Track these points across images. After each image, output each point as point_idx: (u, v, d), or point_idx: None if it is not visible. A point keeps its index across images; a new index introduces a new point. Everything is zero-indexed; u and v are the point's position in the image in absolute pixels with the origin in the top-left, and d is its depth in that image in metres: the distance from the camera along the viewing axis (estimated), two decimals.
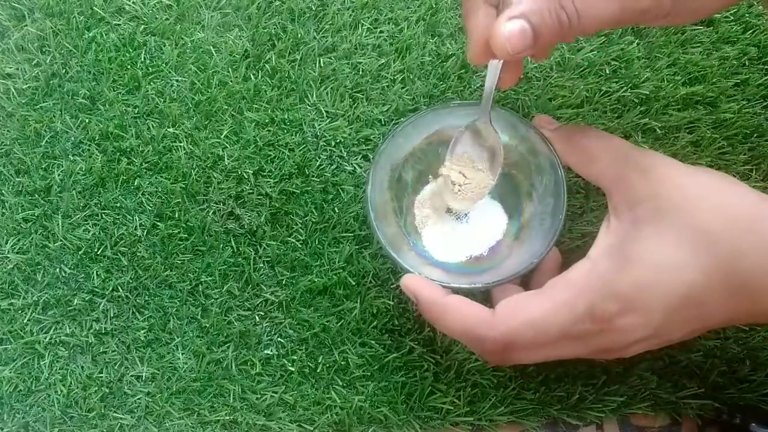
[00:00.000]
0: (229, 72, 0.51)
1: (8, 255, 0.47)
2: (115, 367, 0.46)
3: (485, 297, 0.43)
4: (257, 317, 0.46)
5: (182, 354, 0.46)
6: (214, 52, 0.51)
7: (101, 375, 0.45)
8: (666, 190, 0.34)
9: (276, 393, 0.45)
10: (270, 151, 0.49)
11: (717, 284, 0.32)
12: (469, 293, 0.39)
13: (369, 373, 0.45)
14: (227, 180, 0.49)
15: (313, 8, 0.52)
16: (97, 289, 0.47)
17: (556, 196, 0.42)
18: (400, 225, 0.45)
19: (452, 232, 0.46)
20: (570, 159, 0.40)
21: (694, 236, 0.32)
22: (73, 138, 0.50)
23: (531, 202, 0.45)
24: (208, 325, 0.46)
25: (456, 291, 0.40)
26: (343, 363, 0.46)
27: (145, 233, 0.48)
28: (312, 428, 0.45)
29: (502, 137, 0.44)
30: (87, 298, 0.46)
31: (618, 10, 0.33)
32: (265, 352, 0.46)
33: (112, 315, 0.46)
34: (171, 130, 0.50)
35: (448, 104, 0.47)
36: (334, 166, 0.49)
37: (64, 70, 0.51)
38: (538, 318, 0.34)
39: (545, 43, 0.34)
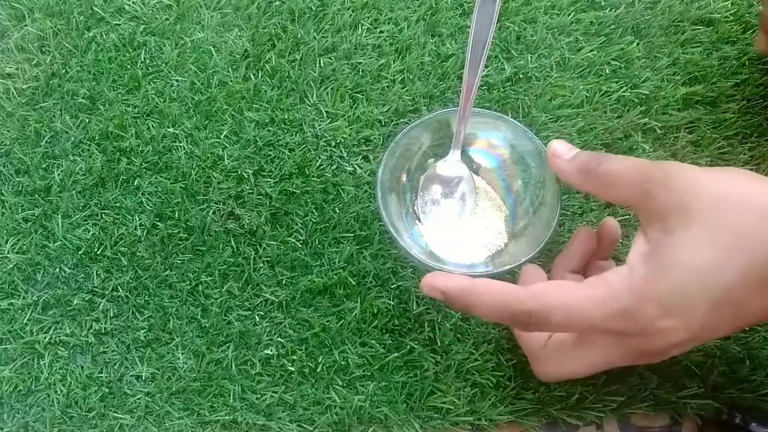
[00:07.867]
0: (229, 72, 0.51)
1: (8, 255, 0.47)
2: (115, 367, 0.46)
3: None
4: (257, 317, 0.46)
5: (182, 354, 0.46)
6: (214, 52, 0.51)
7: (101, 375, 0.45)
8: (691, 197, 0.34)
9: (276, 393, 0.45)
10: (270, 151, 0.49)
11: (754, 282, 0.33)
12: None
13: (369, 373, 0.45)
14: (227, 180, 0.49)
15: (313, 8, 0.52)
16: (97, 289, 0.47)
17: (551, 207, 0.44)
18: (402, 212, 0.46)
19: (453, 232, 0.46)
20: (589, 188, 0.41)
21: (726, 236, 0.33)
22: (73, 138, 0.50)
23: (527, 213, 0.46)
24: (208, 325, 0.46)
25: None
26: (343, 363, 0.45)
27: (144, 233, 0.48)
28: (312, 428, 0.45)
29: (503, 150, 0.47)
30: (87, 298, 0.46)
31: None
32: (265, 352, 0.46)
33: (112, 315, 0.46)
34: (171, 130, 0.50)
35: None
36: (334, 167, 0.49)
37: (64, 70, 0.51)
38: (570, 305, 0.35)
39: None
